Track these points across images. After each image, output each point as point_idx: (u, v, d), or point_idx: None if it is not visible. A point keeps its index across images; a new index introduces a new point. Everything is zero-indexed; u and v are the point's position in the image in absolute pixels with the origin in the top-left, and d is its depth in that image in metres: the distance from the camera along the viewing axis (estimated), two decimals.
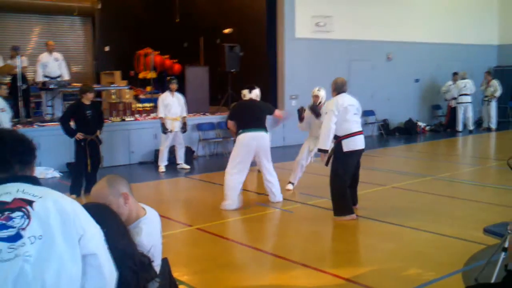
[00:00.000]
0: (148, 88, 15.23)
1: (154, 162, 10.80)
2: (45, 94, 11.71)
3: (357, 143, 6.45)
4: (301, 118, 8.18)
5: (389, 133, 15.03)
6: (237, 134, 7.19)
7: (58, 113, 11.38)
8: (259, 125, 7.15)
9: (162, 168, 10.22)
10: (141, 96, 14.48)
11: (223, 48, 13.01)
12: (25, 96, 11.35)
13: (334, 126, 6.36)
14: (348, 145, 6.38)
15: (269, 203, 7.43)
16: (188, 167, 10.46)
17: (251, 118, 7.15)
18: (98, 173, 7.98)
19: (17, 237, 1.78)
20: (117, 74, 14.80)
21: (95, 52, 16.68)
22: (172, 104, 10.22)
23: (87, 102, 7.95)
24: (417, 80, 15.99)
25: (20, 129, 9.74)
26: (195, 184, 9.41)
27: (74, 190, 7.97)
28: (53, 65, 11.69)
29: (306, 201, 7.51)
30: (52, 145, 9.88)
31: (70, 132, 8.00)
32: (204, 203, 7.76)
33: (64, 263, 1.85)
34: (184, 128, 10.41)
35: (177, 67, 16.47)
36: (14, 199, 1.85)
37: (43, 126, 10.30)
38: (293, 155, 8.67)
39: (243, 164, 7.10)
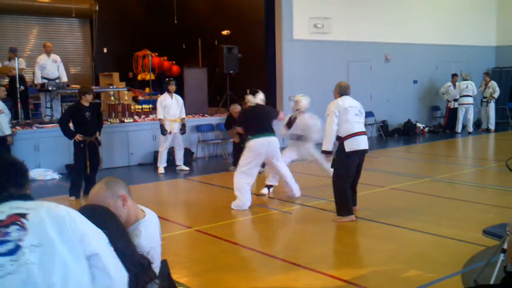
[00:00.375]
0: (147, 90, 15.25)
1: (153, 163, 10.79)
2: (43, 95, 11.70)
3: (360, 143, 6.45)
4: (289, 125, 8.26)
5: (388, 134, 15.03)
6: (246, 139, 7.36)
7: (57, 115, 11.39)
8: (268, 130, 7.35)
9: (161, 169, 10.21)
10: (140, 98, 14.50)
11: (222, 49, 13.03)
12: (24, 98, 11.35)
13: (336, 127, 6.41)
14: (350, 145, 6.39)
15: (268, 204, 7.44)
16: (187, 168, 10.45)
17: (260, 124, 7.34)
18: (97, 175, 7.98)
19: (16, 249, 1.80)
20: (116, 75, 14.81)
21: (93, 54, 16.66)
22: (170, 106, 10.22)
23: (86, 104, 7.95)
24: (415, 82, 16.01)
25: (19, 130, 9.74)
26: (194, 186, 9.40)
27: (73, 192, 7.97)
28: (51, 67, 11.68)
29: (305, 203, 7.51)
30: (51, 147, 9.88)
31: (69, 134, 7.99)
32: (203, 204, 7.76)
33: (68, 265, 1.87)
34: (183, 130, 10.40)
35: (175, 68, 16.50)
36: (8, 216, 1.87)
37: (42, 127, 10.28)
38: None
39: (253, 168, 7.30)
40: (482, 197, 7.74)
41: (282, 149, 7.90)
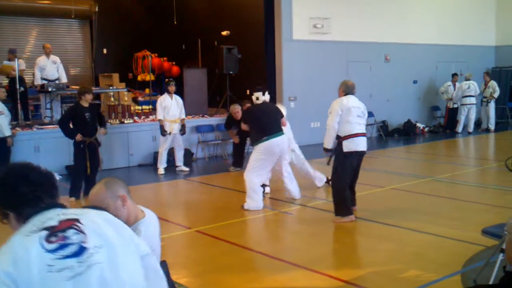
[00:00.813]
0: (147, 91, 15.26)
1: (153, 164, 10.80)
2: (43, 97, 11.71)
3: (358, 144, 6.45)
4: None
5: (388, 134, 15.04)
6: (258, 140, 7.13)
7: (57, 116, 11.39)
8: (279, 129, 7.24)
9: (161, 170, 10.21)
10: (140, 99, 14.50)
11: (221, 50, 13.03)
12: (23, 99, 11.35)
13: (337, 126, 6.41)
14: (348, 146, 6.39)
15: (268, 205, 7.43)
16: (187, 169, 10.45)
17: (272, 123, 7.19)
18: (97, 176, 7.98)
19: (81, 250, 1.85)
20: (116, 76, 14.82)
21: (93, 55, 16.68)
22: (170, 106, 10.22)
23: (85, 104, 7.95)
24: (415, 82, 16.02)
25: (19, 131, 9.74)
26: (194, 186, 9.41)
27: (74, 193, 7.98)
28: (50, 68, 11.68)
29: (305, 203, 7.51)
30: (51, 148, 9.90)
31: (70, 134, 8.00)
32: (203, 205, 7.77)
33: (129, 263, 1.96)
34: (182, 130, 10.40)
35: (175, 69, 16.51)
36: (60, 221, 1.91)
37: (42, 129, 10.29)
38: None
39: (265, 169, 7.25)
40: (481, 197, 7.74)
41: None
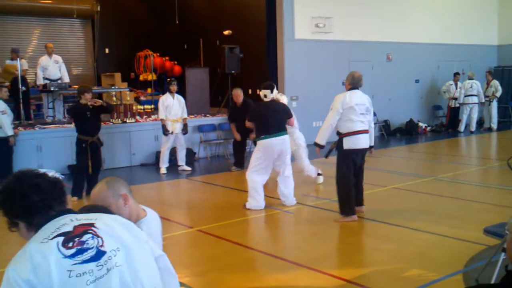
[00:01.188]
0: (149, 90, 15.28)
1: (155, 164, 10.81)
2: (45, 96, 11.73)
3: (359, 142, 6.39)
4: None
5: (390, 134, 15.03)
6: (259, 137, 7.11)
7: (59, 116, 11.43)
8: (283, 129, 7.15)
9: (163, 170, 10.22)
10: (142, 98, 14.53)
11: (223, 49, 13.03)
12: (25, 98, 11.37)
13: (334, 124, 6.37)
14: (349, 143, 6.35)
15: (270, 204, 7.42)
16: (189, 168, 10.46)
17: (276, 122, 7.07)
18: (100, 175, 7.99)
19: (99, 254, 1.85)
20: (118, 76, 14.85)
21: (95, 54, 16.70)
22: (172, 106, 10.23)
23: (85, 103, 7.95)
24: (417, 81, 16.00)
25: (22, 131, 9.76)
26: (196, 186, 9.41)
27: (76, 192, 7.99)
28: (53, 68, 11.70)
29: (306, 202, 7.51)
30: (54, 148, 9.91)
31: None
32: (205, 205, 7.77)
33: (146, 264, 1.98)
34: (184, 130, 10.41)
35: (177, 68, 16.53)
36: (75, 227, 1.91)
37: (44, 128, 10.31)
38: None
39: (266, 168, 7.18)
40: (483, 197, 7.73)
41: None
